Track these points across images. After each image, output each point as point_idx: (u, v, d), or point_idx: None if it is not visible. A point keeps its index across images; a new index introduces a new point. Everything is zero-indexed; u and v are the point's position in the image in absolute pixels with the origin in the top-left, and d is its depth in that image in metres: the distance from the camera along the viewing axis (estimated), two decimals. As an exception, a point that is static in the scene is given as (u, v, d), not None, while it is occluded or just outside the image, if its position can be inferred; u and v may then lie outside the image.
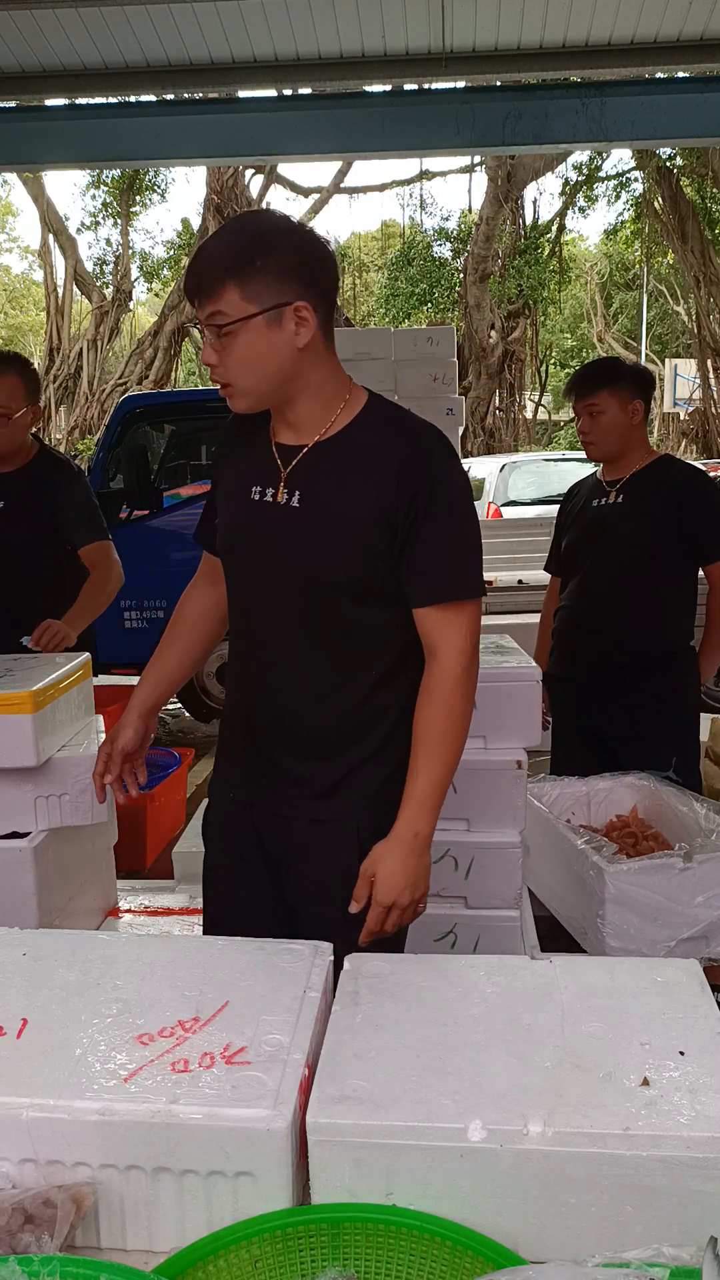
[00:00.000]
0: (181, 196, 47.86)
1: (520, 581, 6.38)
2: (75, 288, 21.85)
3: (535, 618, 3.52)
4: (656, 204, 19.76)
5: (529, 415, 24.35)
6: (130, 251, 21.65)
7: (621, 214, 22.09)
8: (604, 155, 19.65)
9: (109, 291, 21.53)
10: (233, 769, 1.76)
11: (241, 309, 1.47)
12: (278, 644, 1.63)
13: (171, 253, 21.80)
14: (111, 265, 21.70)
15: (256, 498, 1.61)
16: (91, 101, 5.55)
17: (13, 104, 5.51)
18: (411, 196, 34.02)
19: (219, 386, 1.58)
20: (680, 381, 23.72)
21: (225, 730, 1.79)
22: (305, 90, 5.62)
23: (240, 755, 1.73)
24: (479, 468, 11.12)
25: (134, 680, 6.55)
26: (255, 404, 1.58)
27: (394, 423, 1.60)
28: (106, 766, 1.79)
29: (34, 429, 3.13)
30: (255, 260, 1.46)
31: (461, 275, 20.60)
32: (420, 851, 1.54)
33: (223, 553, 1.71)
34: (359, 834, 1.63)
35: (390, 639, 1.63)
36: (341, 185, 21.23)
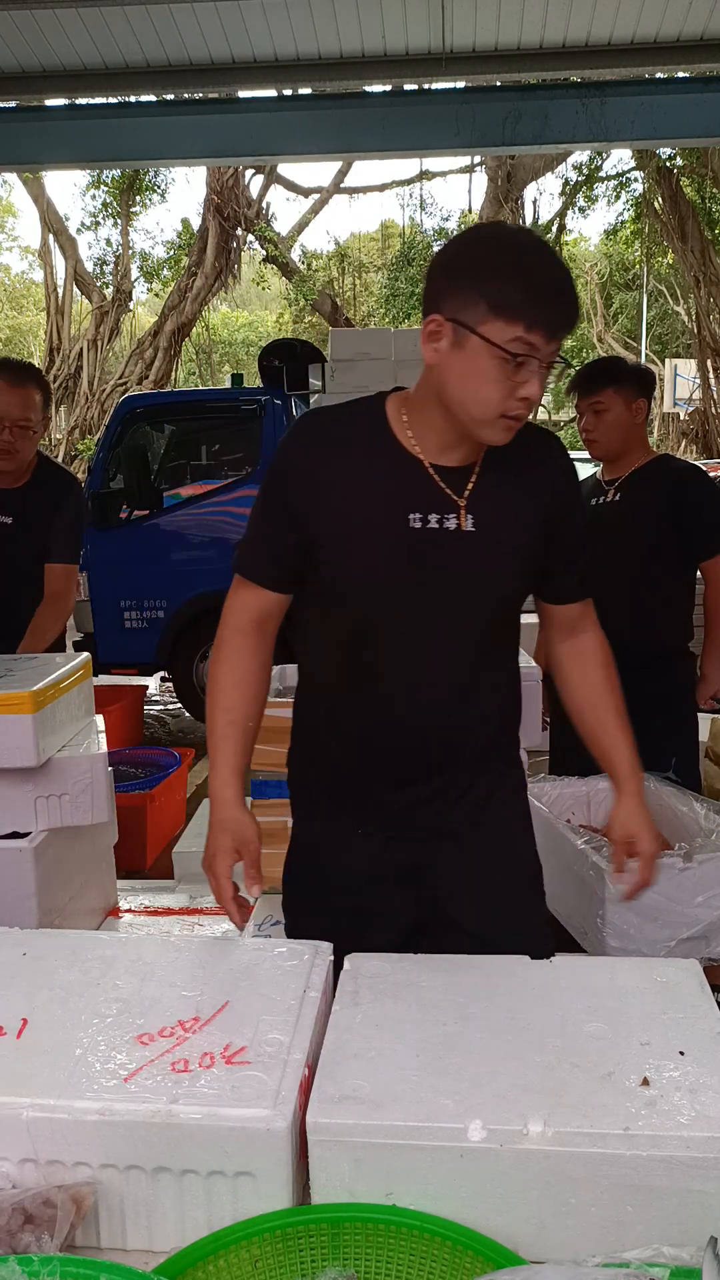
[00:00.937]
0: (181, 196, 47.89)
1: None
2: (75, 288, 21.86)
3: (535, 617, 3.51)
4: (656, 204, 19.76)
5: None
6: (130, 251, 21.66)
7: (621, 214, 22.10)
8: (604, 155, 19.65)
9: (109, 291, 21.53)
10: (367, 802, 1.63)
11: None
12: (448, 669, 1.56)
13: (171, 253, 21.81)
14: (111, 265, 21.71)
15: (419, 525, 1.49)
16: (91, 101, 5.56)
17: (13, 104, 5.52)
18: (411, 196, 34.04)
19: (509, 417, 1.43)
20: (680, 381, 23.72)
21: (346, 770, 1.63)
22: (305, 90, 5.63)
23: (383, 788, 1.61)
24: (479, 468, 11.09)
25: (134, 680, 6.55)
26: None
27: (529, 431, 1.54)
28: (256, 877, 1.51)
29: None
30: None
31: (461, 275, 20.56)
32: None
33: (362, 591, 1.53)
34: (522, 825, 1.71)
35: (517, 635, 1.70)
36: (341, 185, 21.24)
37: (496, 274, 1.38)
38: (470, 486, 1.52)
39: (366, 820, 1.64)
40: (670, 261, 22.21)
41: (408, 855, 1.63)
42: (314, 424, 1.57)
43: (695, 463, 3.91)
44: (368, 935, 1.54)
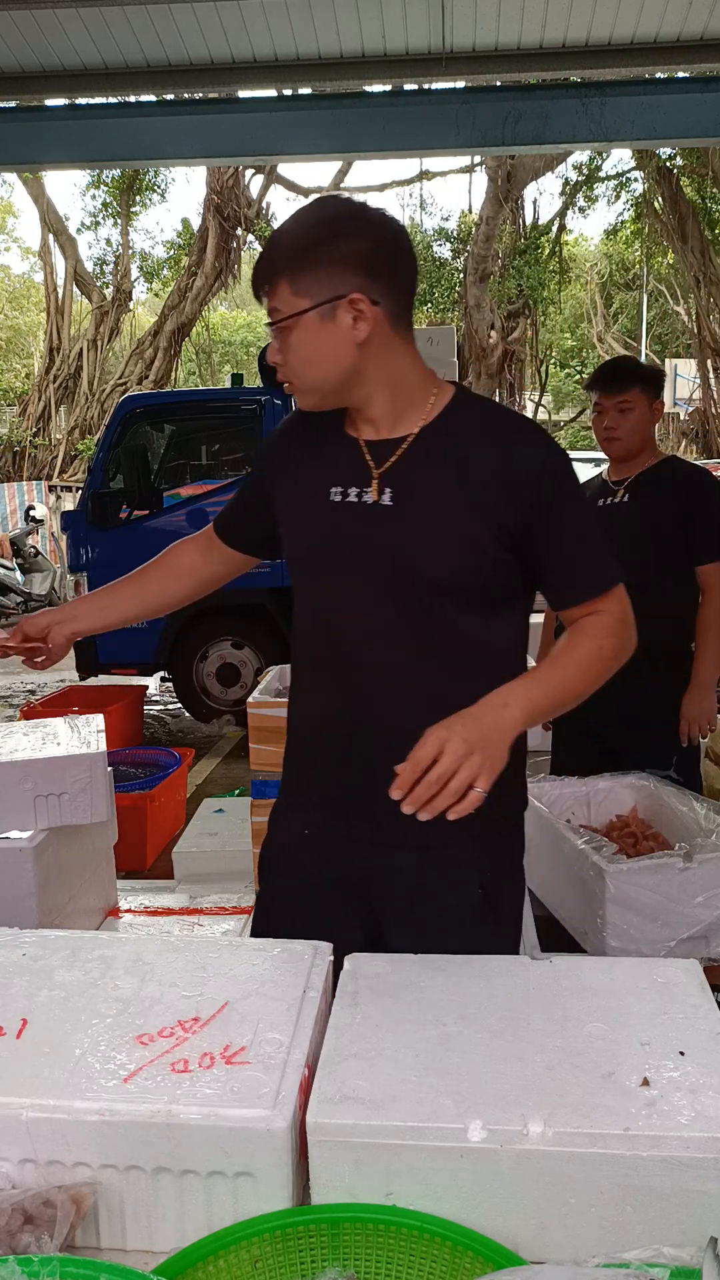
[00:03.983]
0: (181, 196, 47.91)
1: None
2: (75, 288, 21.88)
3: (536, 617, 3.50)
4: (656, 204, 19.78)
5: (529, 415, 24.36)
6: (130, 251, 21.69)
7: (621, 214, 22.13)
8: (604, 155, 19.67)
9: (109, 291, 21.55)
10: (311, 798, 1.60)
11: (292, 304, 1.41)
12: (383, 658, 1.48)
13: (171, 253, 21.83)
14: (111, 265, 21.73)
15: (339, 499, 1.49)
16: (91, 101, 5.56)
17: (13, 104, 5.52)
18: (411, 196, 34.01)
19: (285, 385, 1.49)
20: (680, 381, 23.74)
21: (299, 757, 1.63)
22: (305, 90, 5.63)
23: (323, 782, 1.57)
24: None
25: (134, 680, 6.56)
26: (320, 402, 1.50)
27: (488, 414, 1.51)
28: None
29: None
30: (308, 253, 1.39)
31: (461, 275, 20.62)
32: (500, 721, 1.32)
33: (298, 563, 1.57)
34: (477, 866, 1.54)
35: (510, 646, 1.54)
36: (341, 185, 21.24)
37: None
38: (394, 459, 1.47)
39: (324, 820, 1.57)
40: (670, 261, 22.23)
41: (351, 866, 1.55)
42: (297, 411, 1.61)
43: (699, 463, 3.92)
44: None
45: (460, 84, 5.41)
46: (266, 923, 1.66)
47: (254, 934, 1.67)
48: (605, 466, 3.13)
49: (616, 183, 21.04)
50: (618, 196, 21.46)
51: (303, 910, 1.58)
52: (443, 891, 1.53)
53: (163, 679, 7.78)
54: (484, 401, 1.57)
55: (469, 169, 20.86)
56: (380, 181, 26.22)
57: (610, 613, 1.49)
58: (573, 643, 1.47)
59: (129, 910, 2.75)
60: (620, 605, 1.50)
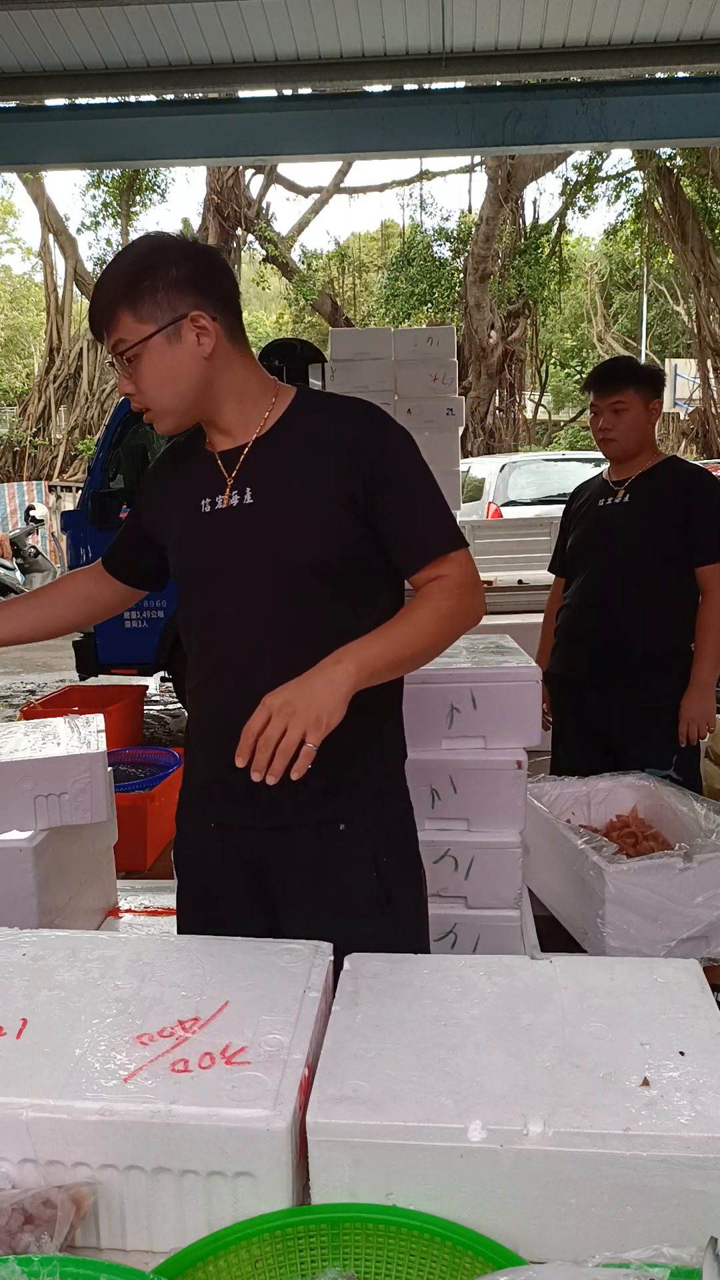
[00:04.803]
0: (181, 196, 47.91)
1: (520, 581, 6.38)
2: (75, 288, 21.89)
3: (535, 618, 3.51)
4: (656, 204, 19.79)
5: (529, 415, 24.38)
6: (130, 251, 21.65)
7: (621, 214, 22.13)
8: (604, 155, 19.67)
9: (109, 291, 21.51)
10: (210, 793, 1.67)
11: (138, 331, 1.50)
12: (261, 648, 1.56)
13: (171, 253, 21.81)
14: (112, 265, 21.70)
15: (208, 509, 1.60)
16: (91, 101, 5.56)
17: (13, 104, 5.52)
18: (411, 196, 34.12)
19: (143, 413, 1.59)
20: (680, 381, 23.74)
21: (195, 756, 1.71)
22: (305, 90, 5.63)
23: (217, 776, 1.61)
24: (479, 468, 11.11)
25: (134, 680, 6.54)
26: (179, 422, 1.59)
27: (327, 405, 1.63)
28: None
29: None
30: (142, 281, 1.49)
31: (461, 275, 20.63)
32: (330, 676, 1.38)
33: (182, 575, 1.67)
34: (372, 847, 1.62)
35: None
36: (341, 185, 21.26)
37: None
38: (243, 460, 1.59)
39: (224, 811, 1.64)
40: (670, 261, 22.23)
41: (254, 854, 1.62)
42: (165, 451, 1.75)
43: (699, 463, 3.92)
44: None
45: (460, 84, 5.41)
46: (186, 922, 1.74)
47: (179, 934, 1.73)
48: (606, 467, 3.13)
49: (616, 183, 21.05)
50: (618, 196, 21.47)
51: (215, 905, 1.67)
52: (337, 872, 1.60)
53: (163, 679, 7.78)
54: (325, 395, 1.67)
55: (469, 169, 20.90)
56: (380, 181, 26.25)
57: (450, 576, 1.55)
58: (412, 605, 1.54)
59: (129, 910, 2.75)
60: (460, 570, 1.56)
